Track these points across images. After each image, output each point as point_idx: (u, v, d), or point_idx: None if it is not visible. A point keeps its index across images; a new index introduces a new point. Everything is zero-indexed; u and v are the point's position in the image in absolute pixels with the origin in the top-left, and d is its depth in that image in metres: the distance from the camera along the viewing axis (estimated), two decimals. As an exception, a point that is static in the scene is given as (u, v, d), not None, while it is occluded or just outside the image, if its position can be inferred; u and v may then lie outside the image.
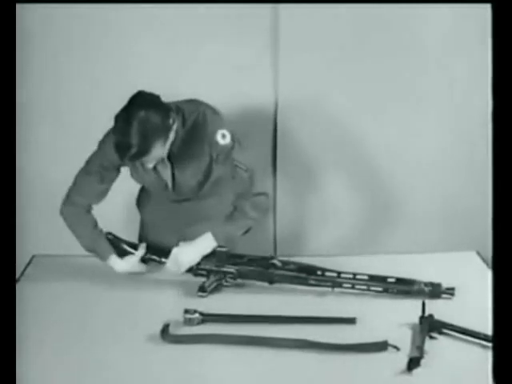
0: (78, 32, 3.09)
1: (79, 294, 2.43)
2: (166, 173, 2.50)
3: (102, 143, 2.46)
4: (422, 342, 2.10)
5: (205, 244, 2.46)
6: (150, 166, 2.38)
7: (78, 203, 2.50)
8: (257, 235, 2.68)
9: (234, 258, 2.48)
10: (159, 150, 2.30)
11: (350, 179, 3.35)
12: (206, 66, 2.74)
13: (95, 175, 2.48)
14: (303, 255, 2.62)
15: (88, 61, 3.13)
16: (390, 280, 2.40)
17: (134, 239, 2.69)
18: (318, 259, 2.49)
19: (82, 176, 2.50)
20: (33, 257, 2.71)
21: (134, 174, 2.54)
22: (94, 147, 3.17)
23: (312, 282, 2.42)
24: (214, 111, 2.45)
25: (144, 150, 2.24)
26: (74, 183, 2.51)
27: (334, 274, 2.43)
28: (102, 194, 2.53)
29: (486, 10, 1.82)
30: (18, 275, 2.53)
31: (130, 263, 2.50)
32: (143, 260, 2.52)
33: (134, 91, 2.79)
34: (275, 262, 2.46)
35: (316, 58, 3.15)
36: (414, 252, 2.77)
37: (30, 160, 3.22)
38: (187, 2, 3.01)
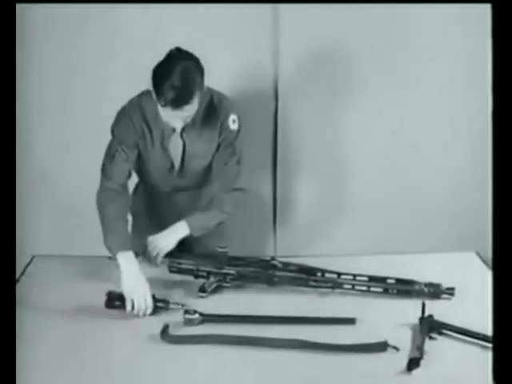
0: (77, 32, 3.09)
1: (79, 294, 2.42)
2: (177, 152, 2.50)
3: (114, 127, 2.49)
4: (422, 342, 2.10)
5: (179, 230, 2.47)
6: (179, 126, 2.37)
7: (109, 187, 2.49)
8: (257, 235, 2.69)
9: (234, 260, 2.48)
10: (195, 105, 2.30)
11: (350, 179, 3.34)
12: (205, 65, 2.72)
13: (118, 155, 2.48)
14: (303, 256, 2.61)
15: (88, 60, 3.13)
16: (389, 281, 2.40)
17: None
18: (318, 260, 2.49)
19: (106, 163, 2.52)
20: (33, 257, 2.71)
21: (143, 155, 2.52)
22: (94, 147, 3.19)
23: (312, 283, 2.42)
24: (225, 96, 2.50)
25: (188, 95, 2.24)
26: (102, 172, 2.52)
27: (334, 275, 2.43)
28: (126, 173, 2.52)
29: (486, 9, 1.82)
30: (18, 275, 2.53)
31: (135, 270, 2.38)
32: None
33: (133, 90, 2.81)
34: (275, 263, 2.46)
35: (316, 58, 3.14)
36: (414, 252, 2.77)
37: (31, 160, 3.21)
38: (187, 2, 3.01)
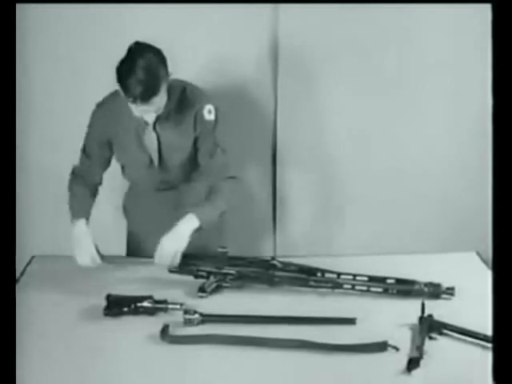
0: (77, 32, 3.09)
1: (79, 294, 2.42)
2: (153, 147, 2.50)
3: (89, 125, 2.55)
4: (422, 342, 2.10)
5: (189, 224, 2.44)
6: (151, 119, 2.38)
7: (80, 174, 2.60)
8: (257, 235, 2.69)
9: (234, 260, 2.48)
10: (163, 96, 2.32)
11: (350, 180, 3.35)
12: (205, 65, 2.73)
13: (90, 152, 2.57)
14: (303, 256, 2.61)
15: (88, 60, 3.13)
16: (389, 281, 2.40)
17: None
18: (317, 260, 2.49)
19: (82, 155, 2.60)
20: (33, 257, 2.71)
21: (120, 152, 2.55)
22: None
23: (312, 283, 2.42)
24: (199, 88, 2.51)
25: (154, 87, 2.26)
26: (79, 161, 2.62)
27: (334, 275, 2.43)
28: (100, 169, 2.61)
29: (486, 9, 1.82)
30: (17, 275, 2.53)
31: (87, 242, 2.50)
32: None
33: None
34: (275, 263, 2.46)
35: (316, 58, 3.15)
36: (414, 252, 2.77)
37: (31, 160, 3.21)
38: (188, 2, 3.01)
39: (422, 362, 2.01)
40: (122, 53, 3.09)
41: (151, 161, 2.54)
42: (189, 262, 2.47)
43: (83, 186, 2.59)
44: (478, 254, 2.70)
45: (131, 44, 2.33)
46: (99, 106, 2.54)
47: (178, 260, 2.43)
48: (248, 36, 3.11)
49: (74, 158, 3.29)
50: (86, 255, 2.46)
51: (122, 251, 2.85)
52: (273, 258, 2.50)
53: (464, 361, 2.07)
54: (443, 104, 3.24)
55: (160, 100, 2.32)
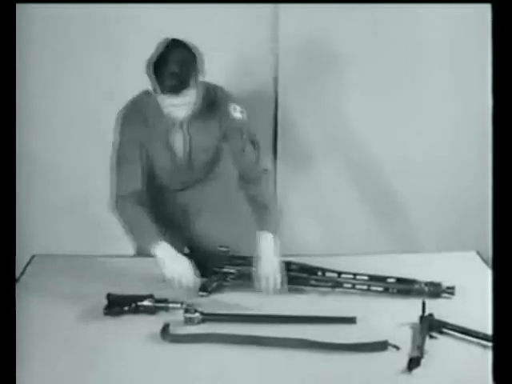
0: (77, 32, 3.09)
1: (79, 293, 2.42)
2: (181, 146, 2.50)
3: (117, 130, 2.47)
4: (422, 341, 2.10)
5: (272, 243, 2.42)
6: (182, 115, 2.35)
7: (123, 193, 2.46)
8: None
9: (234, 259, 2.48)
10: (195, 90, 2.30)
11: (350, 180, 3.35)
12: (206, 65, 2.72)
13: (125, 158, 2.46)
14: (303, 255, 2.61)
15: (88, 60, 3.13)
16: (390, 280, 2.41)
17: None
18: (318, 259, 2.49)
19: (116, 168, 2.48)
20: (33, 257, 2.71)
21: (148, 152, 2.50)
22: (95, 146, 3.19)
23: (312, 282, 2.42)
24: (222, 87, 2.51)
25: (186, 79, 2.24)
26: (115, 178, 2.50)
27: (335, 275, 2.43)
28: (138, 176, 2.47)
29: (486, 9, 1.82)
30: (17, 275, 2.53)
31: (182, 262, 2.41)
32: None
33: (132, 89, 2.79)
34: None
35: (316, 58, 3.15)
36: (414, 251, 2.77)
37: (31, 160, 3.21)
38: (188, 2, 3.01)
39: (422, 361, 2.02)
40: (121, 52, 3.12)
41: (178, 160, 2.53)
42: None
43: (136, 206, 2.45)
44: (479, 253, 2.70)
45: (166, 38, 2.32)
46: (126, 108, 2.49)
47: (279, 281, 2.39)
48: (248, 36, 3.11)
49: (74, 158, 3.31)
50: (188, 277, 2.38)
51: (123, 250, 2.85)
52: (273, 258, 2.50)
53: (464, 360, 2.07)
54: (443, 104, 3.24)
55: (191, 95, 2.29)
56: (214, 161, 2.60)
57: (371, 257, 2.71)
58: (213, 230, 2.69)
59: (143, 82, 3.05)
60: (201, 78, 2.32)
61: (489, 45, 1.73)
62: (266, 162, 2.59)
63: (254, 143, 2.52)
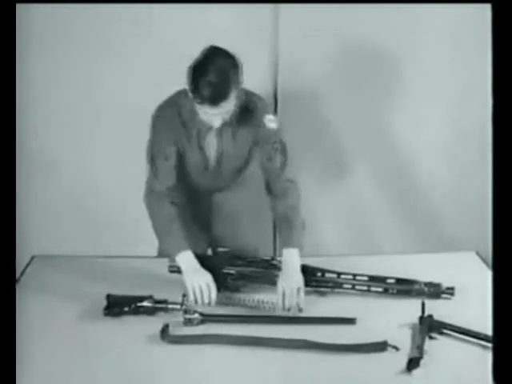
0: (77, 32, 3.09)
1: (79, 294, 2.42)
2: (212, 151, 2.48)
3: (152, 127, 2.46)
4: (422, 342, 2.10)
5: (296, 262, 2.41)
6: (217, 124, 2.34)
7: (156, 189, 2.46)
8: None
9: (234, 260, 2.48)
10: (232, 102, 2.28)
11: (350, 179, 3.34)
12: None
13: (159, 155, 2.45)
14: (303, 256, 2.61)
15: (88, 60, 3.13)
16: (389, 280, 2.41)
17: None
18: (318, 260, 2.49)
19: (150, 164, 2.48)
20: (33, 257, 2.71)
21: (182, 152, 2.49)
22: (96, 146, 3.19)
23: (312, 283, 2.42)
24: (260, 96, 2.50)
25: (224, 92, 2.22)
26: (148, 174, 2.49)
27: (334, 275, 2.43)
28: (173, 173, 2.47)
29: (486, 9, 1.82)
30: (18, 275, 2.53)
31: (203, 274, 2.40)
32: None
33: (132, 89, 2.80)
34: (276, 262, 2.46)
35: (316, 58, 3.15)
36: (414, 252, 2.77)
37: (31, 160, 3.21)
38: (188, 2, 3.01)
39: (422, 362, 2.01)
40: (121, 52, 3.11)
41: (208, 165, 2.53)
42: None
43: (168, 204, 2.46)
44: (478, 253, 2.70)
45: (208, 46, 2.30)
46: (161, 107, 2.47)
47: (303, 296, 2.35)
48: (248, 36, 3.10)
49: (74, 158, 3.30)
50: (208, 294, 2.35)
51: (123, 250, 2.85)
52: (273, 258, 2.50)
53: (464, 360, 2.07)
54: (443, 104, 3.24)
55: (228, 105, 2.28)
56: (243, 167, 2.59)
57: (371, 257, 2.71)
58: (235, 234, 2.69)
59: (143, 82, 3.08)
60: (239, 88, 2.30)
61: (489, 45, 1.73)
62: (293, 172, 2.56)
63: (283, 153, 2.50)
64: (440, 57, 3.17)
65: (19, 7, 2.07)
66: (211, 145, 2.48)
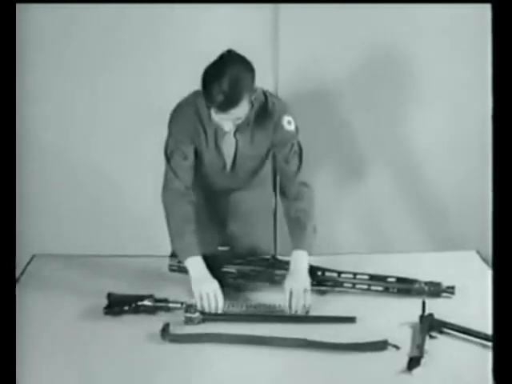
0: (77, 32, 3.09)
1: (79, 293, 2.42)
2: (229, 151, 2.49)
3: (170, 124, 2.46)
4: (422, 341, 2.10)
5: (304, 264, 2.40)
6: (228, 128, 2.34)
7: (173, 187, 2.46)
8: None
9: (234, 258, 2.48)
10: (243, 109, 2.28)
11: (350, 179, 3.35)
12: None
13: (176, 153, 2.45)
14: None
15: (88, 60, 3.13)
16: (390, 279, 2.41)
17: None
18: (318, 259, 2.49)
19: (167, 162, 2.48)
20: (33, 256, 2.71)
21: (199, 151, 2.49)
22: (95, 147, 3.18)
23: (313, 281, 2.42)
24: (279, 98, 2.51)
25: (234, 99, 2.22)
26: (166, 171, 2.49)
27: (335, 274, 2.43)
28: (190, 172, 2.48)
29: (486, 9, 1.82)
30: (18, 274, 2.53)
31: (210, 280, 2.38)
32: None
33: (132, 88, 2.80)
34: (275, 261, 2.47)
35: (316, 58, 3.15)
36: (414, 252, 2.77)
37: (31, 160, 3.21)
38: (188, 2, 3.01)
39: (422, 361, 2.02)
40: (121, 51, 3.12)
41: (224, 165, 2.52)
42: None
43: (186, 203, 2.45)
44: (479, 252, 2.70)
45: (223, 51, 2.29)
46: (180, 106, 2.46)
47: (309, 298, 2.35)
48: (248, 36, 3.10)
49: (74, 158, 3.30)
50: (212, 301, 2.33)
51: (123, 250, 2.85)
52: (273, 257, 2.51)
53: (464, 360, 2.07)
54: (443, 104, 3.24)
55: (239, 112, 2.27)
56: (259, 168, 2.58)
57: (371, 256, 2.72)
58: (250, 233, 2.71)
59: (142, 82, 3.08)
60: (252, 95, 2.29)
61: (489, 45, 1.73)
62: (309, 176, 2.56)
63: (300, 156, 2.50)
64: (439, 56, 3.16)
65: (19, 7, 2.07)
66: (229, 145, 2.47)
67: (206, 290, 2.33)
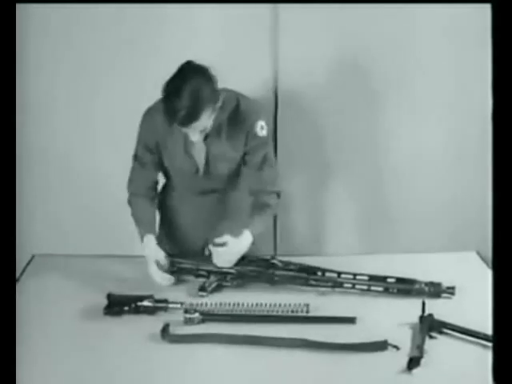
0: (77, 31, 3.09)
1: (79, 293, 2.42)
2: (200, 156, 2.49)
3: (139, 128, 2.50)
4: (422, 341, 2.10)
5: (245, 243, 2.46)
6: (195, 138, 2.36)
7: (134, 192, 2.57)
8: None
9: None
10: (207, 120, 2.30)
11: (350, 179, 3.34)
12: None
13: (139, 159, 2.53)
14: (303, 255, 2.62)
15: (88, 60, 3.13)
16: (390, 280, 2.41)
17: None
18: (318, 259, 2.49)
19: (132, 166, 2.56)
20: (33, 256, 2.71)
21: (166, 158, 2.52)
22: (95, 148, 3.18)
23: (312, 282, 2.43)
24: (253, 101, 2.50)
25: (194, 114, 2.23)
26: (130, 174, 2.59)
27: (334, 275, 2.43)
28: (152, 180, 2.57)
29: (486, 9, 1.82)
30: (18, 275, 2.53)
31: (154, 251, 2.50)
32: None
33: (131, 89, 2.79)
34: (275, 262, 2.47)
35: (316, 58, 3.15)
36: (414, 252, 2.77)
37: (31, 161, 3.21)
38: (188, 2, 3.01)
39: (422, 361, 2.02)
40: (121, 51, 3.11)
41: (197, 169, 2.52)
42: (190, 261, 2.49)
43: (143, 198, 2.56)
44: (479, 253, 2.70)
45: (182, 63, 2.29)
46: (149, 111, 2.48)
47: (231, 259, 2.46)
48: (248, 36, 3.10)
49: (74, 158, 3.30)
50: (162, 274, 2.47)
51: (123, 250, 2.85)
52: (273, 257, 2.51)
53: (464, 360, 2.07)
54: (443, 104, 3.24)
55: (202, 124, 2.29)
56: (234, 172, 2.57)
57: (371, 257, 2.72)
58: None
59: (142, 81, 3.07)
60: (217, 103, 2.31)
61: (489, 45, 1.73)
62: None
63: (272, 163, 2.53)
64: (440, 57, 3.16)
65: (19, 7, 2.07)
66: (199, 151, 2.48)
67: (152, 266, 2.46)
